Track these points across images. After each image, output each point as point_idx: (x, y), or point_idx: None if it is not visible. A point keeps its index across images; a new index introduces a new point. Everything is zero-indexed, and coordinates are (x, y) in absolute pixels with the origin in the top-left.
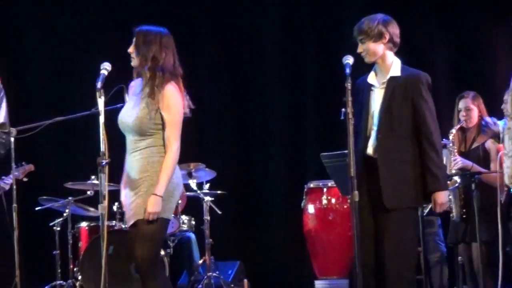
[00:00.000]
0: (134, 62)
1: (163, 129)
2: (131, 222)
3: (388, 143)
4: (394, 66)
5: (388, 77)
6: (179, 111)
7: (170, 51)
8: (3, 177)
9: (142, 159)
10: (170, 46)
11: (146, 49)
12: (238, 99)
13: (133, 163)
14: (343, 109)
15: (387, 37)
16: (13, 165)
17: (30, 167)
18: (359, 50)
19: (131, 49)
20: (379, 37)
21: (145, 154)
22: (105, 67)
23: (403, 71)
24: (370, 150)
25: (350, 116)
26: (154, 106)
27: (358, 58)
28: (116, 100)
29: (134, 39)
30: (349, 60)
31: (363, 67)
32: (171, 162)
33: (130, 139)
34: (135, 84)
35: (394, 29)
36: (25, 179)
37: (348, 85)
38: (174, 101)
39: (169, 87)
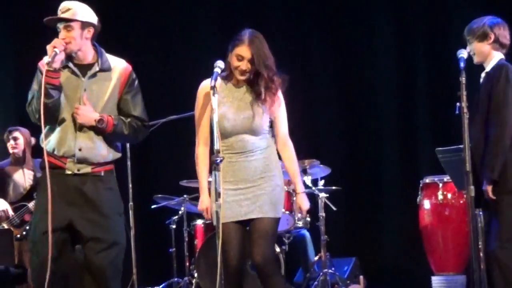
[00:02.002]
0: (246, 77)
1: (271, 129)
2: (245, 218)
3: None
4: (490, 64)
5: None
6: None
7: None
8: None
9: (264, 159)
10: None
11: (264, 61)
12: (351, 96)
13: (250, 162)
14: (457, 104)
15: (492, 37)
16: (129, 163)
17: None
18: (467, 50)
19: (245, 66)
20: (483, 37)
21: (266, 154)
22: (218, 65)
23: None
24: None
25: (465, 110)
26: (267, 107)
27: None
28: None
29: (249, 53)
30: (463, 54)
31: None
32: (296, 159)
33: (244, 139)
34: (220, 85)
35: (502, 31)
36: None
37: (463, 79)
38: (282, 98)
39: (280, 95)
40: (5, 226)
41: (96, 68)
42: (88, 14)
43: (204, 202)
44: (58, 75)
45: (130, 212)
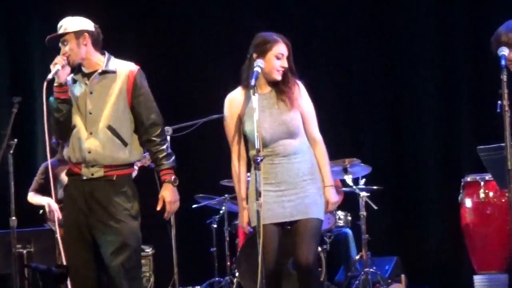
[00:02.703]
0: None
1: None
2: (290, 219)
3: None
4: None
5: None
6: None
7: None
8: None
9: (307, 161)
10: None
11: (290, 55)
12: (392, 94)
13: (294, 164)
14: (499, 102)
15: None
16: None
17: None
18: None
19: (285, 63)
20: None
21: (309, 156)
22: (259, 65)
23: None
24: None
25: (507, 108)
26: (297, 108)
27: None
28: None
29: (286, 51)
30: (504, 51)
31: None
32: (327, 154)
33: (285, 143)
34: (243, 96)
35: None
36: (152, 165)
37: (504, 77)
38: (308, 97)
39: (300, 84)
40: (51, 225)
41: (99, 70)
42: (79, 23)
43: (243, 218)
44: (66, 89)
45: None
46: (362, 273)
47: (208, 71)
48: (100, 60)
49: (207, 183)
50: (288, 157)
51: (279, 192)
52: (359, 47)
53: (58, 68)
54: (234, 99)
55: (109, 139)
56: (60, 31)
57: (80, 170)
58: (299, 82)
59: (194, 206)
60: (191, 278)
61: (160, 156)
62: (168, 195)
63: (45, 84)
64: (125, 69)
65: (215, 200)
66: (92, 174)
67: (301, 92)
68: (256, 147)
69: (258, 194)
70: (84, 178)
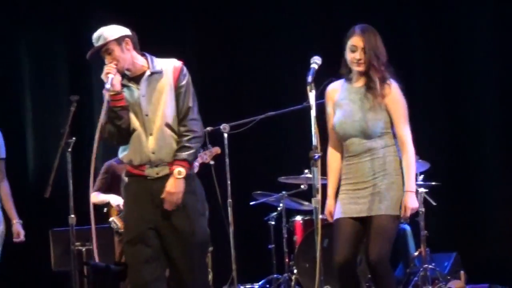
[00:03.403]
0: (363, 67)
1: (391, 127)
2: (360, 215)
3: None
4: None
5: None
6: (405, 104)
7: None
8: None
9: (378, 159)
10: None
11: (375, 51)
12: (450, 90)
13: (364, 163)
14: None
15: None
16: (227, 160)
17: (217, 149)
18: None
19: (360, 56)
20: None
21: (381, 153)
22: (315, 61)
23: None
24: None
25: None
26: (383, 106)
27: None
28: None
29: (361, 43)
30: None
31: None
32: (413, 158)
33: (356, 142)
34: (340, 87)
35: None
36: (211, 162)
37: None
38: (401, 95)
39: (394, 83)
40: (115, 220)
41: (148, 73)
42: (118, 30)
43: (328, 206)
44: (122, 97)
45: (229, 209)
46: (421, 269)
47: (266, 68)
48: (144, 62)
49: (265, 180)
50: (358, 157)
51: (356, 191)
52: (418, 41)
53: (112, 77)
54: (331, 89)
55: (169, 136)
56: (100, 42)
57: (144, 171)
58: (392, 81)
59: (252, 203)
60: (249, 275)
61: (178, 146)
62: (168, 185)
63: (107, 94)
64: (169, 66)
65: (273, 197)
66: (157, 173)
67: (391, 91)
68: (313, 144)
69: (316, 191)
70: (149, 178)
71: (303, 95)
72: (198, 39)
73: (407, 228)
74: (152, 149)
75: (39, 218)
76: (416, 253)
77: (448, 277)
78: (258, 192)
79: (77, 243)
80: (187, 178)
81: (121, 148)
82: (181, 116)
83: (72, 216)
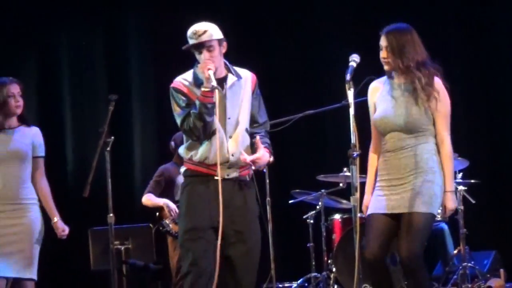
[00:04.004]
0: (389, 66)
1: (433, 124)
2: (392, 212)
3: None
4: None
5: None
6: (449, 103)
7: (421, 44)
8: None
9: (415, 156)
10: (419, 39)
11: (401, 50)
12: (490, 88)
13: (400, 160)
14: None
15: None
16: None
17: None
18: None
19: (384, 55)
20: None
21: (418, 151)
22: (354, 59)
23: None
24: None
25: None
26: (426, 103)
27: None
28: (365, 93)
29: (385, 43)
30: None
31: None
32: (452, 158)
33: (395, 137)
34: (382, 85)
35: None
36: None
37: None
38: (445, 94)
39: (438, 81)
40: (168, 222)
41: (233, 78)
42: (219, 31)
43: (365, 201)
44: (214, 94)
45: (268, 208)
46: (460, 267)
47: (305, 66)
48: (225, 67)
49: (304, 178)
50: (395, 152)
51: (390, 187)
52: (457, 39)
53: (213, 72)
54: (374, 86)
55: (246, 141)
56: (206, 37)
57: (215, 171)
58: (438, 80)
59: (290, 201)
60: (288, 274)
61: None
62: (261, 154)
63: (216, 92)
64: (246, 74)
65: (311, 195)
66: (228, 175)
67: (436, 90)
68: (352, 142)
69: (355, 189)
70: (216, 178)
71: (342, 94)
72: (236, 37)
73: (445, 227)
74: (231, 151)
75: (78, 218)
76: (455, 252)
77: (488, 275)
78: (297, 190)
79: (116, 242)
80: (253, 179)
81: (189, 145)
82: (258, 125)
83: (111, 215)
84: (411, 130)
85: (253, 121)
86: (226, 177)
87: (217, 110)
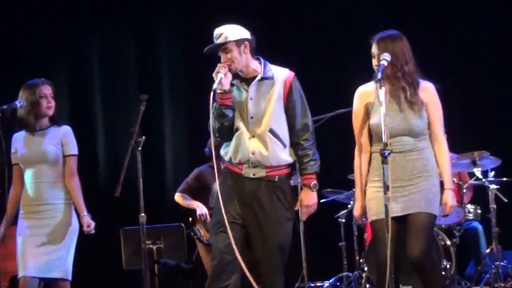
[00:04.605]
0: (382, 73)
1: (429, 128)
2: (401, 214)
3: None
4: None
5: None
6: (440, 106)
7: (411, 51)
8: None
9: (422, 159)
10: (409, 46)
11: (399, 56)
12: None
13: (408, 161)
14: None
15: None
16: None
17: None
18: None
19: (376, 62)
20: None
21: (425, 155)
22: (385, 58)
23: None
24: None
25: None
26: (421, 110)
27: None
28: None
29: (377, 50)
30: None
31: None
32: (449, 158)
33: (401, 141)
34: (374, 90)
35: None
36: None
37: None
38: (437, 98)
39: (427, 85)
40: (200, 228)
41: (258, 77)
42: (239, 32)
43: (357, 209)
44: (229, 96)
45: (300, 207)
46: (493, 266)
47: (335, 65)
48: (257, 67)
49: (335, 177)
50: (403, 154)
51: (394, 189)
52: (488, 37)
53: (221, 76)
54: (364, 91)
55: (271, 141)
56: (221, 40)
57: (241, 169)
58: (427, 83)
59: (322, 200)
60: (320, 273)
61: (305, 160)
62: (305, 199)
63: (211, 94)
64: (281, 75)
65: (343, 194)
66: (254, 174)
67: (429, 94)
68: (384, 140)
69: (386, 188)
70: (245, 176)
71: None
72: (266, 35)
73: (479, 226)
74: (252, 150)
75: (110, 217)
76: (487, 251)
77: None
78: (329, 189)
79: (148, 242)
80: (284, 180)
81: (224, 145)
82: (298, 128)
83: (143, 214)
84: (415, 133)
85: (289, 126)
86: (252, 176)
87: (241, 109)
